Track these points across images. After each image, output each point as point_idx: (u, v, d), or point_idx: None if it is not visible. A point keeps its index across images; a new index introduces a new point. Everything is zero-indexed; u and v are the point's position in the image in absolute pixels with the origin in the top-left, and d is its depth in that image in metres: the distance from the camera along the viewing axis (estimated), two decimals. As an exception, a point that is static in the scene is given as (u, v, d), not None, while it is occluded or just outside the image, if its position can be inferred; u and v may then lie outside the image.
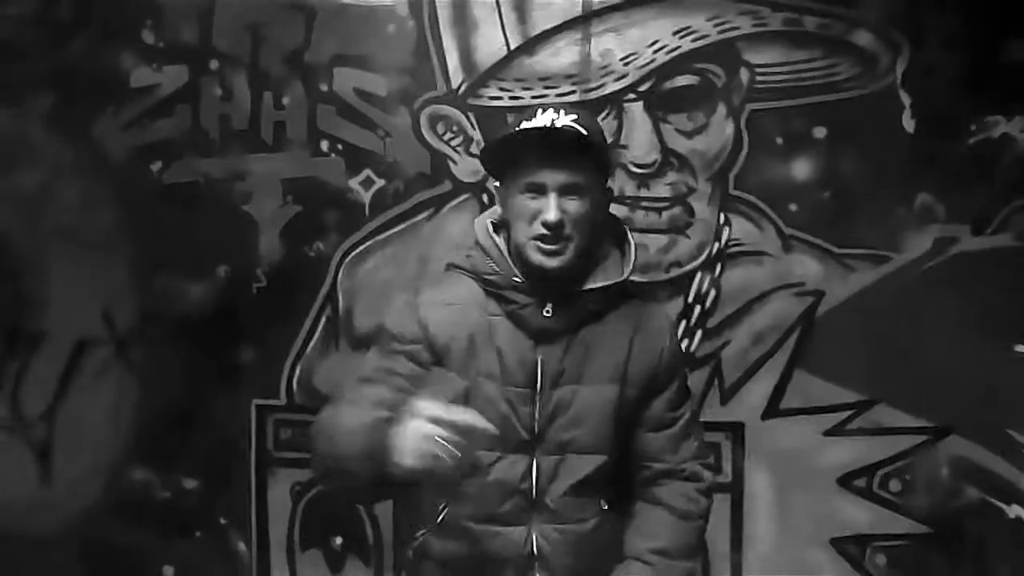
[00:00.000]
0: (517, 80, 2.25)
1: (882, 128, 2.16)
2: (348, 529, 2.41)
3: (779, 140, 2.20)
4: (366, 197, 2.33)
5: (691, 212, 2.23)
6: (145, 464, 2.45)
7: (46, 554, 2.48)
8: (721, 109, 2.22)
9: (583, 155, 1.31)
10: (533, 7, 2.24)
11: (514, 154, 1.33)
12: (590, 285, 1.37)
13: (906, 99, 2.16)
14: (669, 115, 2.22)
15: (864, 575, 2.26)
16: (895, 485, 2.25)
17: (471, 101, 2.28)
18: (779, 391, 2.25)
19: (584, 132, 1.31)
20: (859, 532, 2.26)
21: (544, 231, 1.30)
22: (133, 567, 2.47)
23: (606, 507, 1.43)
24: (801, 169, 2.21)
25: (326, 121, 2.33)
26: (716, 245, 2.23)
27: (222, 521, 2.44)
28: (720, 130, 2.22)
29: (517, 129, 1.32)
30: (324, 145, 2.34)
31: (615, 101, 2.23)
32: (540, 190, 1.31)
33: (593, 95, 2.22)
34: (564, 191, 1.30)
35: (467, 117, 2.28)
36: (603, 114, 2.22)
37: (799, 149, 2.20)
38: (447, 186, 2.31)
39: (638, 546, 1.41)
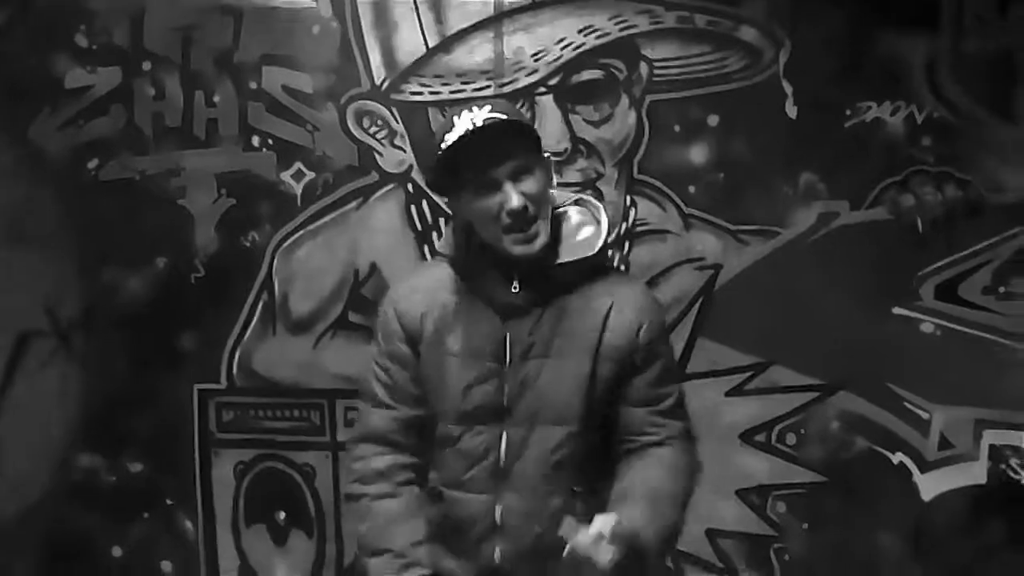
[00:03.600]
0: (436, 76, 2.34)
1: (768, 115, 2.28)
2: (291, 504, 2.48)
3: (677, 128, 2.32)
4: (297, 189, 2.40)
5: (600, 195, 2.31)
6: (92, 450, 2.50)
7: (-3, 542, 2.50)
8: (624, 100, 2.32)
9: (515, 138, 1.31)
10: (449, 8, 2.32)
11: (456, 166, 1.31)
12: (563, 259, 1.35)
13: (788, 88, 2.26)
14: (577, 106, 2.32)
15: (767, 521, 2.39)
16: (791, 439, 2.37)
17: (394, 96, 2.36)
18: (684, 357, 2.34)
19: (504, 117, 1.30)
20: (761, 483, 2.38)
21: (512, 220, 1.29)
22: (83, 550, 2.50)
23: (578, 490, 1.37)
24: (697, 154, 2.32)
25: (256, 117, 2.39)
26: (624, 225, 2.34)
27: (168, 502, 2.50)
28: (624, 119, 2.32)
29: (446, 146, 1.30)
30: (255, 140, 2.40)
31: (527, 94, 2.32)
32: (493, 185, 1.30)
33: (507, 89, 2.31)
34: (514, 176, 1.30)
35: (391, 112, 2.37)
36: (516, 106, 2.28)
37: (695, 136, 2.31)
38: (374, 177, 2.39)
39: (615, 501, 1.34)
